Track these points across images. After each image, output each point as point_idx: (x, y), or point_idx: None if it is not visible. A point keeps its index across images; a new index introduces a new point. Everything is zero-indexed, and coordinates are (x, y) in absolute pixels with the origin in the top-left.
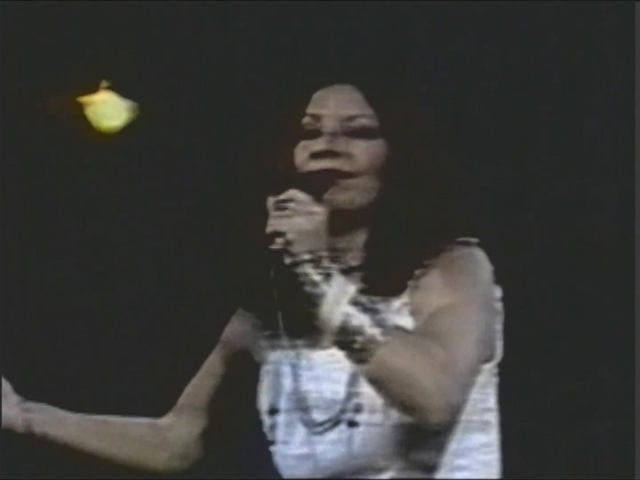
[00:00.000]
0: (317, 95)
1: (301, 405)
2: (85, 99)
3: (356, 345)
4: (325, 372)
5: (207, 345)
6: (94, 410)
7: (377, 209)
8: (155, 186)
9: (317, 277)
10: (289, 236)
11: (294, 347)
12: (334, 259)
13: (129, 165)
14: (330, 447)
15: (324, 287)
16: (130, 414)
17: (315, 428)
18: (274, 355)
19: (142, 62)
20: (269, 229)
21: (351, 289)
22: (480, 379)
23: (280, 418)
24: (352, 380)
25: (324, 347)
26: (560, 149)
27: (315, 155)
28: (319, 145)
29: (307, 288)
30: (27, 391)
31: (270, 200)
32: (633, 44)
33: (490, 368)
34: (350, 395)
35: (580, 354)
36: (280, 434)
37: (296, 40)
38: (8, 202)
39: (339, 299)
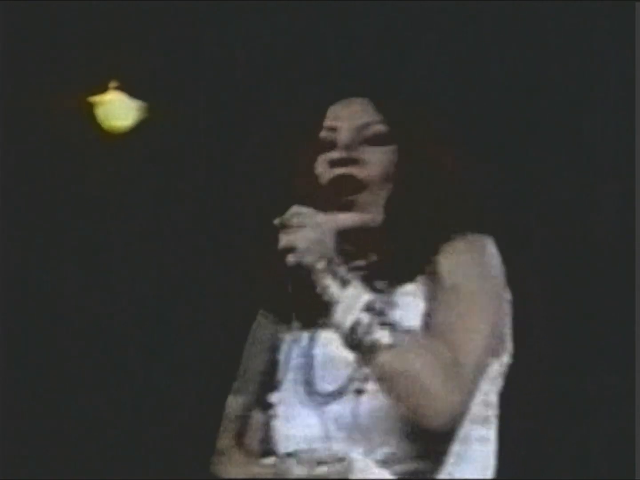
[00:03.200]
0: (332, 108)
1: (308, 377)
2: (94, 99)
3: (364, 347)
4: (336, 349)
5: (208, 345)
6: (94, 410)
7: (391, 202)
8: (164, 185)
9: (333, 287)
10: (300, 247)
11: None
12: (349, 261)
13: (138, 164)
14: (337, 415)
15: (339, 294)
16: (130, 414)
17: (322, 399)
18: (288, 336)
19: (151, 63)
20: (280, 246)
21: (366, 296)
22: (489, 373)
23: (286, 391)
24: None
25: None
26: (561, 149)
27: (333, 163)
28: (336, 153)
29: (324, 296)
30: (28, 391)
31: (276, 221)
32: (633, 44)
33: (499, 364)
34: (359, 365)
35: (580, 354)
36: (282, 409)
37: (308, 50)
38: (14, 201)
39: (352, 305)
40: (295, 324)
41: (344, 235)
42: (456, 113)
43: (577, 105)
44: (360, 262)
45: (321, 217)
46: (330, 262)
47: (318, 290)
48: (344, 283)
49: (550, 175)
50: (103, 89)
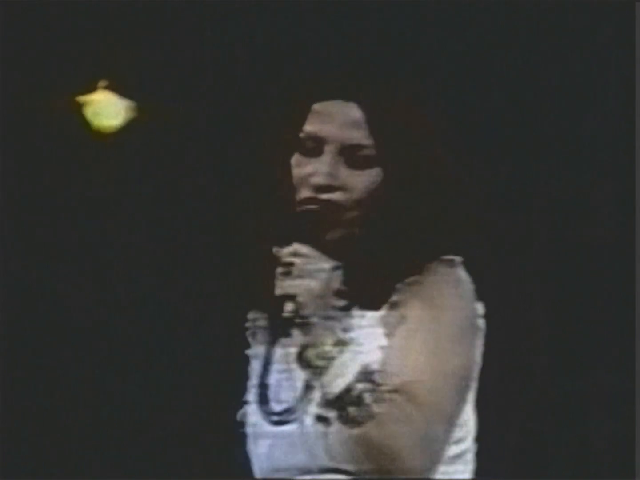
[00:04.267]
0: (318, 109)
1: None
2: (83, 98)
3: (349, 413)
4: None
5: (208, 346)
6: (93, 411)
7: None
8: (154, 185)
9: (329, 347)
10: (299, 299)
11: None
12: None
13: (127, 165)
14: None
15: (334, 356)
16: (130, 413)
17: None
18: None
19: (140, 62)
20: (279, 292)
21: (360, 361)
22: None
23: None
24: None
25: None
26: (561, 149)
27: (317, 189)
28: (319, 178)
29: (319, 359)
30: (27, 391)
31: (276, 256)
32: (633, 44)
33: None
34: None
35: (580, 354)
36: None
37: (296, 43)
38: (4, 201)
39: (343, 372)
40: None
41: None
42: (451, 112)
43: (577, 105)
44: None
45: (324, 264)
46: (328, 317)
47: (313, 344)
48: (342, 347)
49: (550, 175)
50: (92, 89)
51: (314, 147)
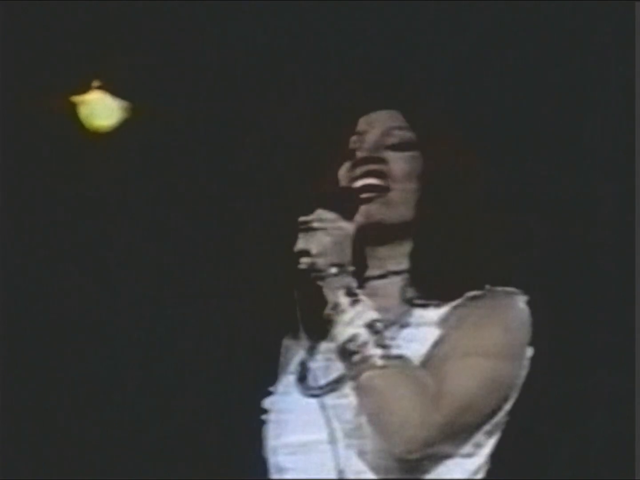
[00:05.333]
0: (363, 118)
1: (302, 379)
2: (77, 98)
3: (354, 360)
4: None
5: (208, 347)
6: (93, 412)
7: (420, 221)
8: (147, 185)
9: (342, 300)
10: (314, 252)
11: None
12: (362, 269)
13: (121, 165)
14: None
15: (346, 308)
16: (130, 413)
17: (313, 391)
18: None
19: (134, 62)
20: (296, 249)
21: (371, 315)
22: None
23: (280, 396)
24: None
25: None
26: (561, 149)
27: (356, 163)
28: (360, 153)
29: (330, 307)
30: (27, 392)
31: (299, 221)
32: (633, 44)
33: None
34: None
35: (580, 354)
36: (274, 415)
37: (306, 47)
38: None
39: (354, 320)
40: (301, 333)
41: (372, 237)
42: (454, 113)
43: (577, 105)
44: (395, 267)
45: (342, 223)
46: (343, 270)
47: (327, 297)
48: (354, 298)
49: (550, 175)
50: (86, 89)
51: (357, 145)
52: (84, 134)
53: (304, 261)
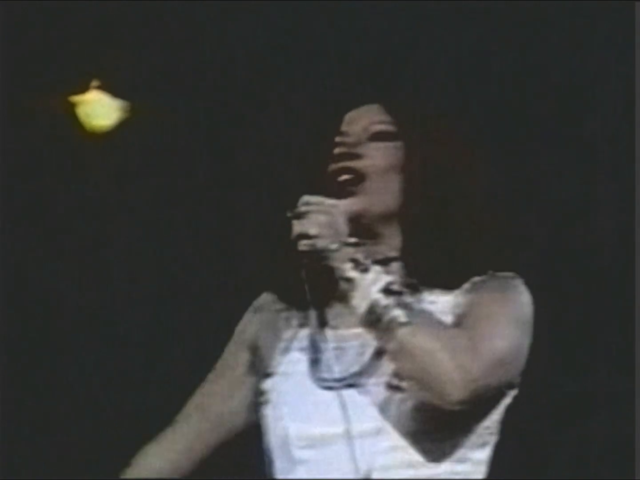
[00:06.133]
0: (347, 114)
1: (314, 362)
2: (76, 98)
3: (381, 325)
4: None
5: (208, 347)
6: (92, 411)
7: (409, 207)
8: (147, 185)
9: (351, 271)
10: (312, 232)
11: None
12: (363, 244)
13: (120, 165)
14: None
15: (358, 277)
16: (129, 414)
17: (329, 383)
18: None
19: (133, 61)
20: (293, 235)
21: (385, 278)
22: (505, 401)
23: (283, 377)
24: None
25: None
26: (561, 149)
27: (336, 158)
28: (339, 149)
29: (342, 280)
30: (27, 392)
31: (289, 213)
32: (633, 44)
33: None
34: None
35: (580, 354)
36: (275, 395)
37: (303, 48)
38: None
39: (370, 289)
40: (311, 311)
41: (362, 227)
42: (450, 112)
43: (577, 105)
44: (391, 253)
45: (330, 202)
46: (344, 244)
47: (336, 274)
48: (362, 267)
49: (550, 175)
50: (84, 89)
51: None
52: (83, 134)
53: (304, 243)
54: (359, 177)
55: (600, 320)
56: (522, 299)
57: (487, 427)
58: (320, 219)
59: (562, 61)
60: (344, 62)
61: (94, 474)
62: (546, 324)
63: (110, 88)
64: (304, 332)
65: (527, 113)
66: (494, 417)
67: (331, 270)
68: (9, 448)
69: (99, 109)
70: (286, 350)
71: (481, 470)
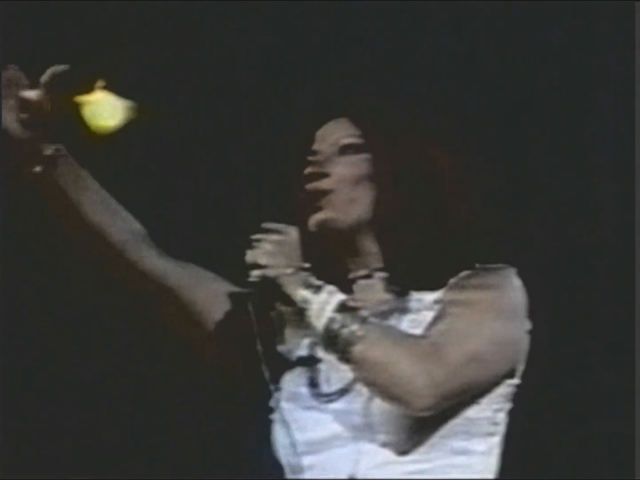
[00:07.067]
0: (318, 132)
1: (312, 380)
2: (81, 98)
3: (339, 342)
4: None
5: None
6: (92, 410)
7: (382, 216)
8: (152, 186)
9: (304, 293)
10: (261, 262)
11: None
12: (345, 272)
13: (126, 165)
14: (343, 411)
15: (311, 299)
16: (130, 414)
17: (327, 398)
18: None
19: (139, 61)
20: (247, 263)
21: (337, 298)
22: (499, 391)
23: (286, 394)
24: None
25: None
26: (561, 149)
27: (304, 180)
28: (307, 170)
29: (297, 303)
30: (27, 392)
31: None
32: (633, 44)
33: (508, 385)
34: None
35: (580, 354)
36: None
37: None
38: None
39: (324, 307)
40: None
41: (339, 242)
42: (450, 112)
43: (577, 105)
44: (373, 264)
45: (284, 228)
46: (296, 271)
47: (291, 298)
48: (316, 289)
49: (550, 175)
50: (90, 89)
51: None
52: (88, 134)
53: (255, 274)
54: (326, 192)
55: (601, 320)
56: (508, 289)
57: (487, 418)
58: (269, 248)
59: (562, 61)
60: (342, 65)
61: (94, 474)
62: (546, 323)
63: (116, 88)
64: (306, 342)
65: (526, 113)
66: (493, 407)
67: (285, 296)
68: (9, 448)
69: (105, 109)
70: (290, 354)
71: (484, 463)
